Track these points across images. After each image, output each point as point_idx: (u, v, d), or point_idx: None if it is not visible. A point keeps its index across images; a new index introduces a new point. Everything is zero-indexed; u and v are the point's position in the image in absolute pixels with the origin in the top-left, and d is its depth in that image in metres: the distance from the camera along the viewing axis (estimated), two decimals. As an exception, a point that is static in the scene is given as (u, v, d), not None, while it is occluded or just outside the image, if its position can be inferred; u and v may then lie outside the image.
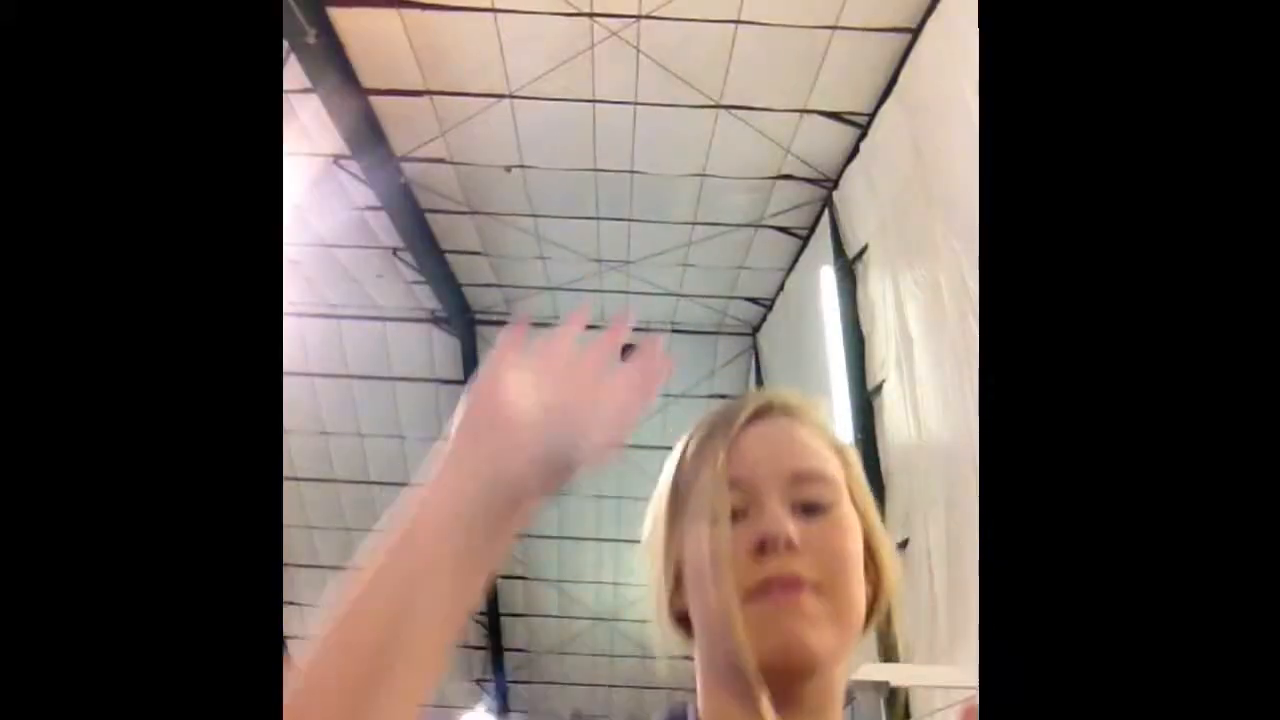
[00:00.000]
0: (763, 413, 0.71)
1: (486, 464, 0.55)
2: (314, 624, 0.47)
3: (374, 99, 6.41)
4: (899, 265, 5.99)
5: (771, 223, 7.65)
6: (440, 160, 6.93)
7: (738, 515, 0.66)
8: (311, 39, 5.45)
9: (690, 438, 0.72)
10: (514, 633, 10.74)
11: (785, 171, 7.04)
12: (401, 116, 6.56)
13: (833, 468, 0.69)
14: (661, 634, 0.72)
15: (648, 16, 5.63)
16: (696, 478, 0.69)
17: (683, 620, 0.70)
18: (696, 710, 0.68)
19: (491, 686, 10.73)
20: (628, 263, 7.81)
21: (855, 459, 0.73)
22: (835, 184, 7.02)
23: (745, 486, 0.67)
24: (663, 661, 0.74)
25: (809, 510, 0.66)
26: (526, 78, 6.07)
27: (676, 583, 0.69)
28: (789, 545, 0.63)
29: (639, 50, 5.85)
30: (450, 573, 0.52)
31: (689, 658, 0.70)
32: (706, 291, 8.45)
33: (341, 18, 5.77)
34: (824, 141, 6.70)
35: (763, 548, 0.64)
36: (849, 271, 6.79)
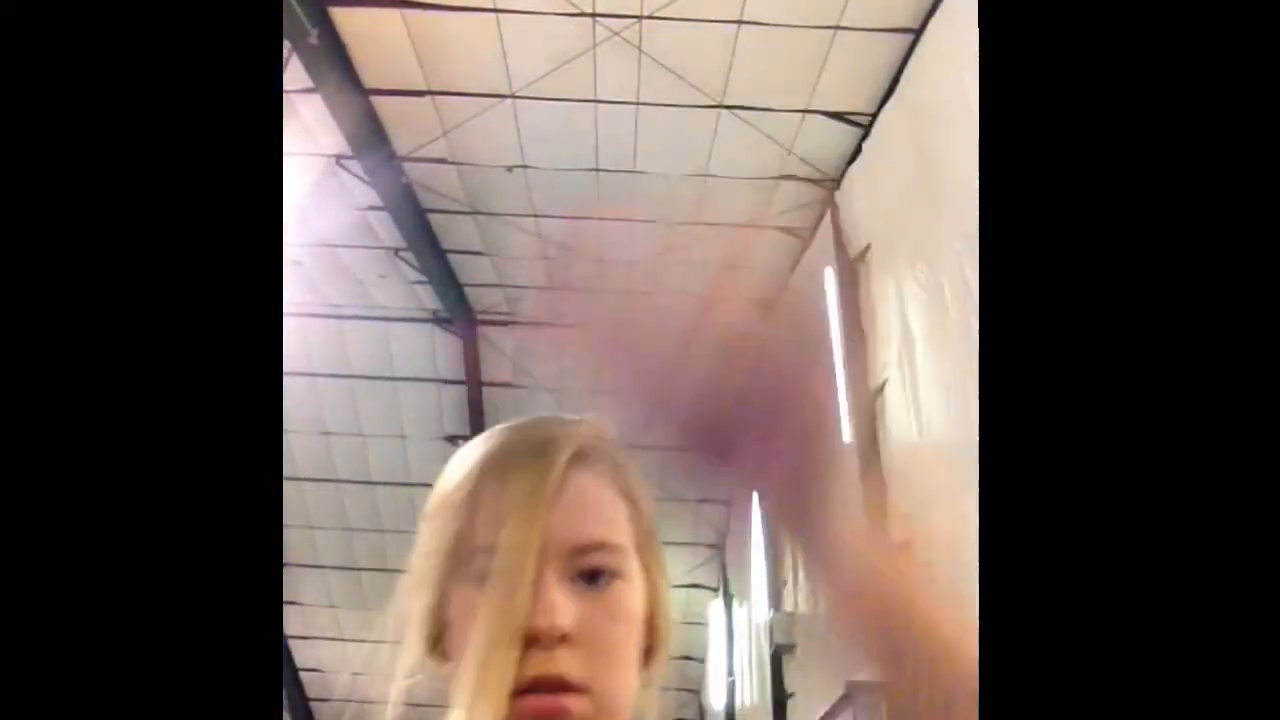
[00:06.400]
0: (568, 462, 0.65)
1: None
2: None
3: (376, 99, 6.40)
4: (901, 266, 5.97)
5: (773, 223, 7.64)
6: (442, 160, 6.92)
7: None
8: (313, 39, 5.45)
9: (480, 470, 0.66)
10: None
11: (787, 172, 7.02)
12: (403, 116, 6.55)
13: (620, 530, 0.66)
14: (407, 656, 0.67)
15: (650, 17, 5.62)
16: (492, 536, 0.62)
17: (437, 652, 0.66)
18: None
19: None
20: (631, 262, 7.79)
21: (648, 504, 0.70)
22: (837, 184, 7.00)
23: None
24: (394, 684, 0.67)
25: (591, 578, 0.64)
26: (528, 78, 6.07)
27: (436, 635, 0.65)
28: (563, 639, 0.61)
29: (641, 51, 5.84)
30: None
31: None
32: (708, 292, 8.43)
33: (343, 17, 5.76)
34: (826, 142, 6.68)
35: (535, 638, 0.60)
36: (851, 272, 6.78)
